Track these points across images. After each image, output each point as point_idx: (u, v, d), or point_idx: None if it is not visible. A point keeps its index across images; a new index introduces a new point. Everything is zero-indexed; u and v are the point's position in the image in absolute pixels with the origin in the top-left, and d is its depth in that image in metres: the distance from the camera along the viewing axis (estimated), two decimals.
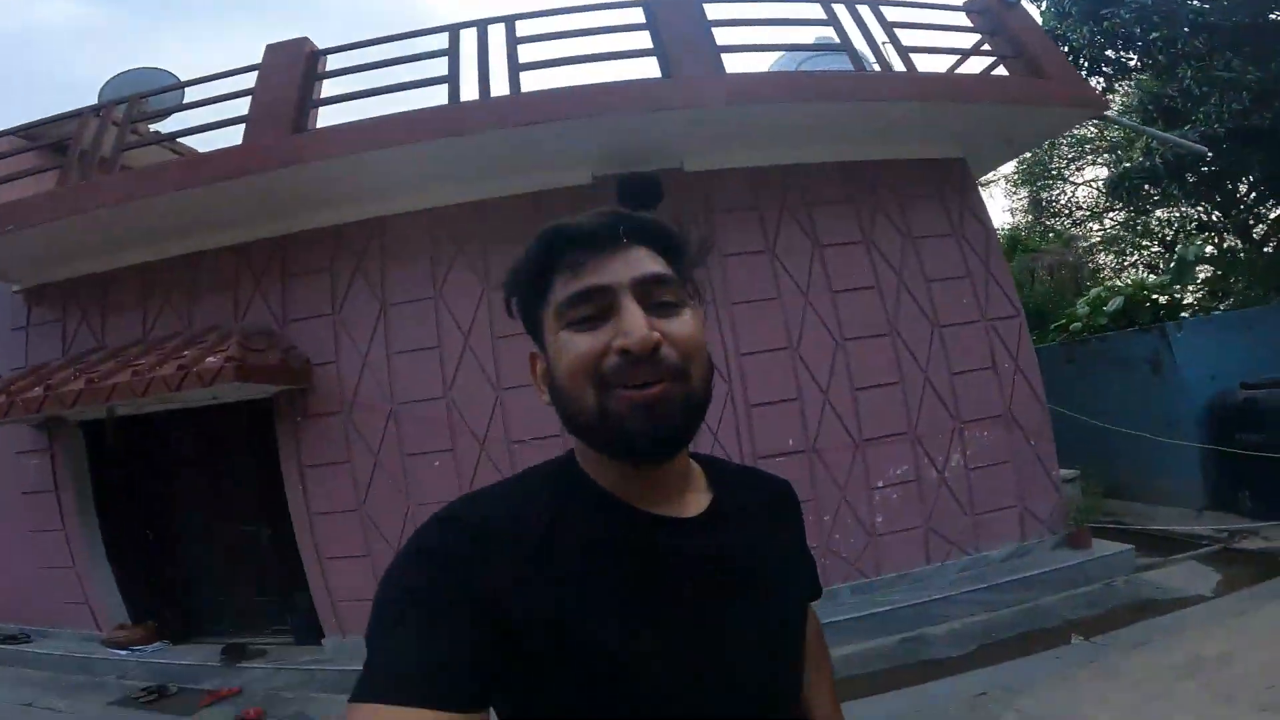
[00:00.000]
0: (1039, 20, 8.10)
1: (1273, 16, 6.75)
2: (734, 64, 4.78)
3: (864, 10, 5.04)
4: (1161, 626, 3.78)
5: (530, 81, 4.70)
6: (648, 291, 0.68)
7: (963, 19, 5.50)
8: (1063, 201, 15.49)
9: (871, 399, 4.74)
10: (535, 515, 0.69)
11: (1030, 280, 9.98)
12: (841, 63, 5.24)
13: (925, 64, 5.21)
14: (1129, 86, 8.82)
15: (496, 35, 4.63)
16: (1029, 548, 4.74)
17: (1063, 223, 15.16)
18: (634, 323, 0.65)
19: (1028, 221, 15.61)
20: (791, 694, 0.80)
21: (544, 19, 4.87)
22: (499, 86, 4.54)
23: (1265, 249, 9.49)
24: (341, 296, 4.80)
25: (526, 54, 4.61)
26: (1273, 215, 9.78)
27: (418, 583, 0.62)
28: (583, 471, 0.74)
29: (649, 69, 4.76)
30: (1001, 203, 18.73)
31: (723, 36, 4.76)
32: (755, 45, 5.01)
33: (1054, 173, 15.05)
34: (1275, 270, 8.94)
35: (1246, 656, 3.28)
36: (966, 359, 4.91)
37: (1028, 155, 15.02)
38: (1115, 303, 6.74)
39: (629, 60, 4.82)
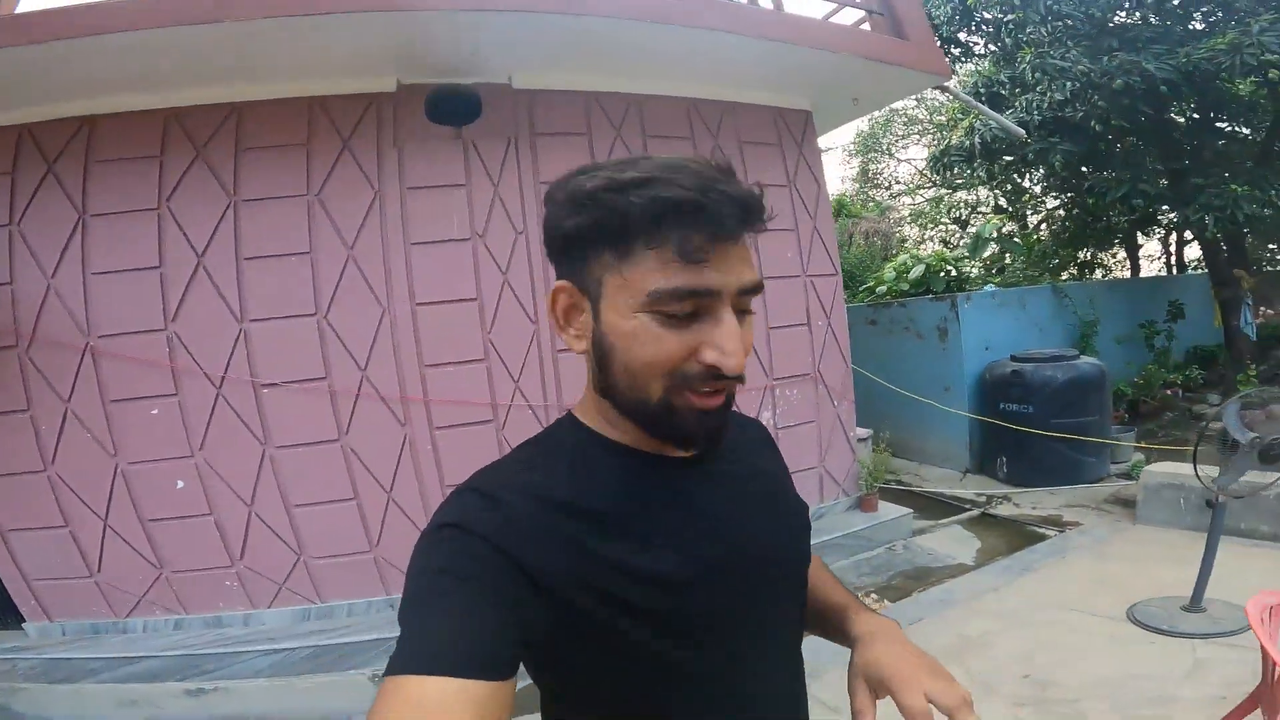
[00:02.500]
0: None
1: (1119, 15, 6.75)
2: None
3: None
4: (932, 601, 3.57)
5: None
6: (742, 299, 0.61)
7: None
8: (885, 175, 16.06)
9: None
10: (556, 478, 0.64)
11: (848, 243, 9.92)
12: None
13: (800, 8, 4.50)
14: (972, 69, 8.72)
15: None
16: (824, 510, 4.44)
17: (882, 194, 15.68)
18: (734, 344, 0.59)
19: (856, 189, 15.92)
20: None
21: None
22: None
23: (1035, 237, 10.10)
24: (25, 204, 3.31)
25: None
26: (1049, 206, 10.39)
27: (444, 555, 0.57)
28: (592, 430, 0.68)
29: None
30: (838, 170, 19.11)
31: None
32: None
33: (883, 147, 15.47)
34: (1044, 255, 9.51)
35: (1003, 639, 3.11)
36: (784, 314, 4.41)
37: (863, 128, 15.29)
38: (917, 270, 6.65)
39: None
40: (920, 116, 14.57)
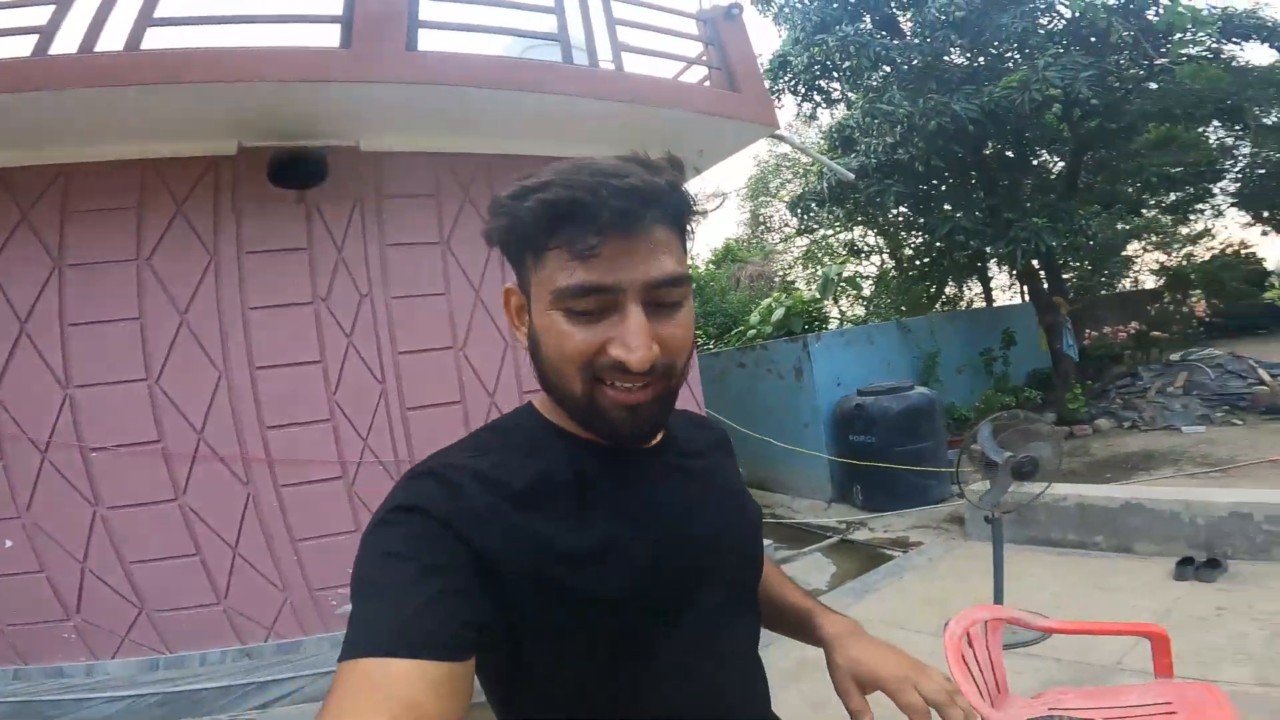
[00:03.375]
0: (779, 44, 8.11)
1: (945, 58, 7.23)
2: (444, 42, 3.88)
3: (594, 5, 4.33)
4: None
5: (172, 38, 3.33)
6: (655, 293, 0.60)
7: (693, 26, 5.04)
8: (775, 219, 16.75)
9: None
10: (509, 464, 0.64)
11: (735, 287, 10.33)
12: (566, 55, 4.51)
13: (652, 69, 4.74)
14: (832, 114, 9.22)
15: None
16: None
17: (772, 238, 16.34)
18: (637, 339, 0.58)
19: (748, 234, 16.54)
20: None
21: None
22: (115, 41, 3.13)
23: (910, 271, 10.69)
24: None
25: (169, 8, 3.27)
26: (915, 243, 11.10)
27: (402, 537, 0.57)
28: (548, 420, 0.70)
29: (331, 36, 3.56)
30: (734, 214, 19.86)
31: (429, 12, 3.75)
32: (470, 25, 4.03)
33: (772, 191, 16.16)
34: (910, 291, 10.16)
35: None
36: None
37: (754, 171, 16.04)
38: (779, 313, 6.96)
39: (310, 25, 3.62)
40: (805, 161, 15.31)
